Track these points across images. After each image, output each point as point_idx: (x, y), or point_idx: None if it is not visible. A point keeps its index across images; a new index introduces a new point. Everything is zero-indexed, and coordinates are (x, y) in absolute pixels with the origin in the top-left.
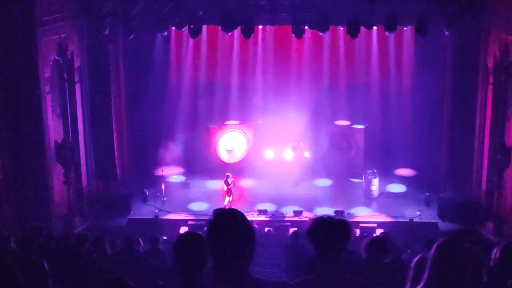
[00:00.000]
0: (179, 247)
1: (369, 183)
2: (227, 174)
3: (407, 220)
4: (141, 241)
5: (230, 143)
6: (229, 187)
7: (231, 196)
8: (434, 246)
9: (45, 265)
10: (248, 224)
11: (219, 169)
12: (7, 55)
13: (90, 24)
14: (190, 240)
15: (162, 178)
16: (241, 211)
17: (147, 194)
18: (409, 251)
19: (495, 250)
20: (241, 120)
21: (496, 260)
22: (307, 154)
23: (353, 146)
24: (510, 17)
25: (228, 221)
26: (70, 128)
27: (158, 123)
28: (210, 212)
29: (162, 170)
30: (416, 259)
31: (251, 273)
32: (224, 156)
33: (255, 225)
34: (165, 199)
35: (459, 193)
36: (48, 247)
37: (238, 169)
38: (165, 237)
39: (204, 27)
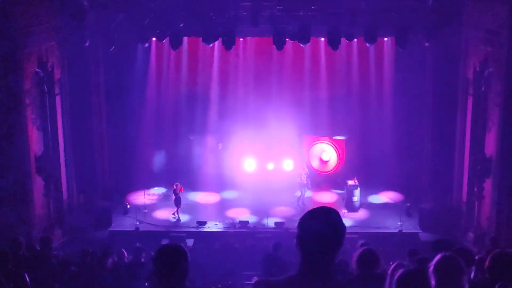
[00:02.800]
0: (160, 258)
1: (350, 193)
2: (176, 183)
3: (389, 231)
4: (125, 252)
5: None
6: (177, 196)
7: (178, 206)
8: (396, 278)
9: (26, 277)
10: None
11: (201, 181)
12: None
13: (71, 36)
14: (171, 252)
15: (143, 190)
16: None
17: (128, 206)
18: (391, 262)
19: (476, 259)
20: (222, 131)
21: (477, 270)
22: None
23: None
24: (489, 28)
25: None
26: (50, 141)
27: (139, 134)
28: (191, 224)
29: (144, 193)
30: (392, 266)
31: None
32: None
33: None
34: (146, 211)
35: (440, 203)
36: (28, 260)
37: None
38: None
39: (185, 38)
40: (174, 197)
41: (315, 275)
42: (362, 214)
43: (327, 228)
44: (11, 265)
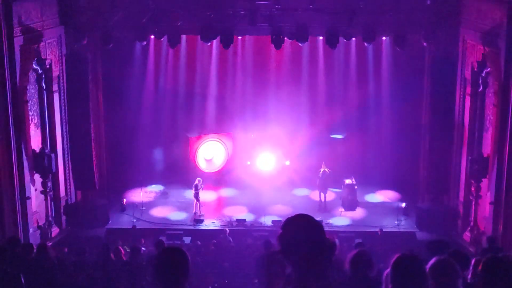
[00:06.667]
0: (162, 262)
1: (347, 192)
2: (198, 179)
3: (386, 230)
4: (121, 250)
5: (209, 152)
6: (197, 191)
7: (199, 201)
8: (391, 263)
9: (22, 278)
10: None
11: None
12: None
13: (69, 33)
14: (173, 255)
15: (140, 188)
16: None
17: (125, 203)
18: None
19: (473, 261)
20: (221, 130)
21: (474, 272)
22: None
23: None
24: (487, 28)
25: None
26: (48, 137)
27: (137, 132)
28: (189, 222)
29: (142, 190)
30: (387, 270)
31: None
32: (203, 165)
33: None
34: (143, 208)
35: (437, 203)
36: (25, 258)
37: (216, 179)
38: (143, 248)
39: (183, 36)
40: (194, 192)
41: (306, 281)
42: (359, 213)
43: (307, 238)
44: (8, 263)
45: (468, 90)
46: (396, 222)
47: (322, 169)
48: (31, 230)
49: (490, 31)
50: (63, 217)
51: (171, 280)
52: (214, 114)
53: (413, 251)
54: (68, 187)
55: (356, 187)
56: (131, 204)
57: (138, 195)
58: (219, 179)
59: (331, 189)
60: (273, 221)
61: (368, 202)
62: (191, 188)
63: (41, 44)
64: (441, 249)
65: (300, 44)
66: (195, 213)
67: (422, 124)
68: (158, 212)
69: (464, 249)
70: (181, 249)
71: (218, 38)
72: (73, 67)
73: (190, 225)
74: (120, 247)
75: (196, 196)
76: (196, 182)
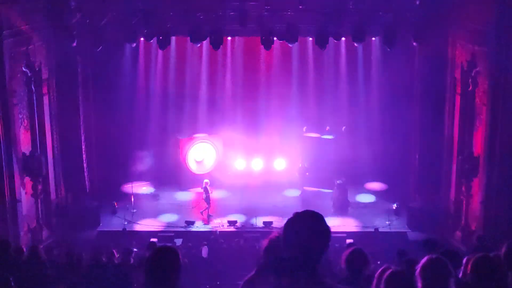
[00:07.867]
0: (153, 261)
1: (338, 193)
2: (206, 180)
3: (375, 230)
4: (115, 253)
5: (200, 154)
6: (208, 194)
7: (209, 204)
8: (384, 278)
9: (11, 281)
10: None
11: (189, 180)
12: None
13: (58, 35)
14: (164, 254)
15: (131, 190)
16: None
17: (117, 206)
18: (379, 262)
19: (464, 260)
20: (211, 131)
21: (466, 271)
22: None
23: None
24: (477, 28)
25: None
26: (38, 140)
27: (128, 134)
28: (180, 224)
29: (132, 185)
30: (380, 269)
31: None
32: (193, 167)
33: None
34: (134, 211)
35: (428, 202)
36: (16, 261)
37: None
38: (135, 249)
39: (173, 38)
40: (205, 196)
41: (301, 278)
42: (350, 213)
43: (311, 233)
44: None
45: (458, 89)
46: (387, 222)
47: (300, 164)
48: (21, 233)
49: (479, 31)
50: (54, 220)
51: (163, 278)
52: (204, 115)
53: (406, 251)
54: (59, 189)
55: (347, 187)
56: (122, 206)
57: (129, 197)
58: (210, 180)
59: (323, 189)
60: (264, 222)
61: (359, 203)
62: (182, 190)
63: (30, 46)
64: (436, 247)
65: (289, 44)
66: (209, 216)
67: (412, 123)
68: (149, 214)
69: (455, 248)
70: (172, 247)
71: (208, 39)
72: (62, 69)
73: (181, 226)
74: (112, 249)
75: (207, 199)
76: (204, 184)
